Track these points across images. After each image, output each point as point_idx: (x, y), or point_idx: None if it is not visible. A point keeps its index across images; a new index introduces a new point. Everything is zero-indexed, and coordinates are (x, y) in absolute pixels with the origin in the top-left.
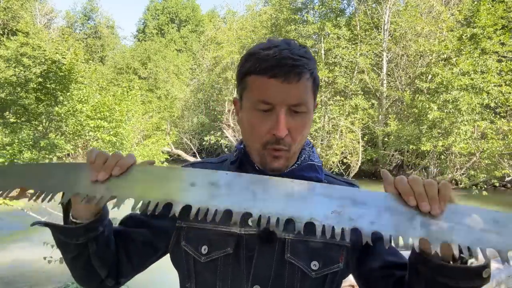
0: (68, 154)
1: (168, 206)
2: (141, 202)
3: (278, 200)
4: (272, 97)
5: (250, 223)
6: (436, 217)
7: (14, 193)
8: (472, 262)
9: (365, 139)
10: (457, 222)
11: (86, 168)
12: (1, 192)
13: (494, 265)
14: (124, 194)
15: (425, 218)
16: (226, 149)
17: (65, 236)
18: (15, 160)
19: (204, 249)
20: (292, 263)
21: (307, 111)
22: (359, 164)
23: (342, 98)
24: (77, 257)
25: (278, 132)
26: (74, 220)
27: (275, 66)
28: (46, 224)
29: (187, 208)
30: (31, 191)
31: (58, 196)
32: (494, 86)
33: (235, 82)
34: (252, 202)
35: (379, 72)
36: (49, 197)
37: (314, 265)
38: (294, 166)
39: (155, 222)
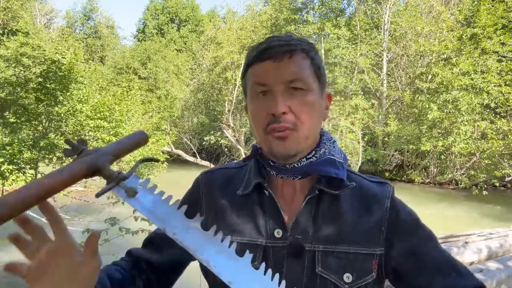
0: None
1: None
2: None
3: None
4: (266, 77)
5: (276, 234)
6: None
7: None
8: None
9: (365, 139)
10: None
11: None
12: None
13: (494, 265)
14: None
15: None
16: (226, 149)
17: None
18: (14, 160)
19: None
20: (323, 277)
21: (306, 88)
22: (359, 164)
23: (342, 98)
24: None
25: (275, 108)
26: None
27: (265, 49)
28: None
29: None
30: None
31: None
32: (494, 86)
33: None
34: None
35: (379, 72)
36: None
37: (347, 277)
38: (312, 159)
39: None
